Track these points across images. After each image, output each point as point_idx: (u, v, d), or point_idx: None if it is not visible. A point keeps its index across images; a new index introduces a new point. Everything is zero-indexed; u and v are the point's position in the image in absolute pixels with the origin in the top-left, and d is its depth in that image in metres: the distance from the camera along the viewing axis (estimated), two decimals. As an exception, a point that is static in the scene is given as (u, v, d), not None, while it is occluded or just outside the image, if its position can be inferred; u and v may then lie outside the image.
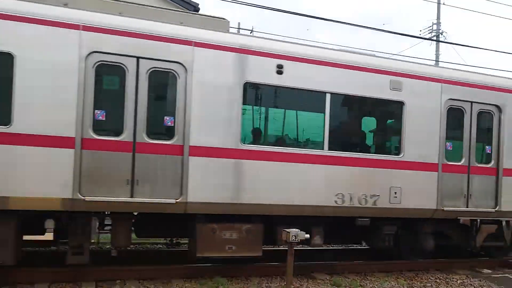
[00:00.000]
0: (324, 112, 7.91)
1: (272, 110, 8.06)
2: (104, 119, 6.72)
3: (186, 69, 7.02)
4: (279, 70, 7.54)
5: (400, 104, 8.42)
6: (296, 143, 8.20)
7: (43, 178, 6.34)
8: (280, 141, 8.06)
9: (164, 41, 6.93)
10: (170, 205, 6.95)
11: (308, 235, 6.80)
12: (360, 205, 8.09)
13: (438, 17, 24.42)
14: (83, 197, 6.50)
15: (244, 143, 7.39)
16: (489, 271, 9.44)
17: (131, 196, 6.78)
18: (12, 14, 6.23)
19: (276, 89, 7.70)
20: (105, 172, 6.65)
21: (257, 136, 7.90)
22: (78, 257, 6.86)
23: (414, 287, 8.07)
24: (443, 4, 23.21)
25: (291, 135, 8.32)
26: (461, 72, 9.22)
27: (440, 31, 24.65)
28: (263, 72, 7.47)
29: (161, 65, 6.95)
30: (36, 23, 6.34)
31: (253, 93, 7.61)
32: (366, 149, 8.56)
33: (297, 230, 6.73)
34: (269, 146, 7.69)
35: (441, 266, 9.39)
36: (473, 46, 19.80)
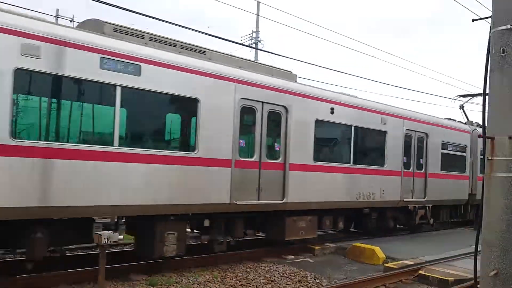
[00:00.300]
0: (350, 139, 11.89)
1: (326, 138, 11.69)
2: (244, 145, 9.43)
3: (287, 110, 10.15)
4: (332, 111, 11.21)
5: (385, 133, 12.95)
6: (340, 159, 11.92)
7: (217, 189, 8.79)
8: (330, 158, 11.62)
9: (277, 91, 9.96)
10: (278, 205, 10.01)
11: (122, 236, 7.23)
12: (367, 200, 12.32)
13: (257, 26, 26.67)
14: (235, 202, 9.12)
15: (314, 160, 10.83)
16: (292, 256, 10.80)
17: (258, 200, 9.63)
18: (197, 69, 8.53)
19: (329, 124, 11.35)
20: (244, 183, 9.37)
21: (320, 155, 11.39)
22: (220, 246, 9.41)
23: (227, 278, 8.60)
24: (259, 15, 25.00)
25: (337, 154, 12.03)
26: (412, 112, 14.25)
27: (259, 39, 26.85)
28: (324, 112, 11.05)
29: (274, 107, 9.96)
30: (211, 77, 8.74)
31: (318, 127, 11.06)
32: (371, 163, 12.81)
33: (109, 232, 6.67)
34: (325, 162, 11.26)
35: (253, 256, 10.32)
36: (285, 56, 24.78)
